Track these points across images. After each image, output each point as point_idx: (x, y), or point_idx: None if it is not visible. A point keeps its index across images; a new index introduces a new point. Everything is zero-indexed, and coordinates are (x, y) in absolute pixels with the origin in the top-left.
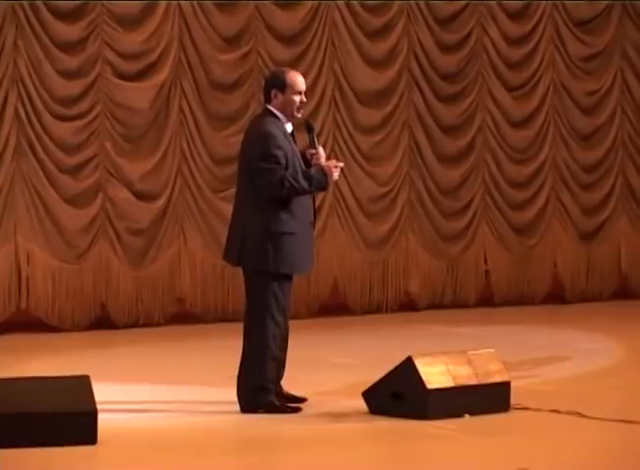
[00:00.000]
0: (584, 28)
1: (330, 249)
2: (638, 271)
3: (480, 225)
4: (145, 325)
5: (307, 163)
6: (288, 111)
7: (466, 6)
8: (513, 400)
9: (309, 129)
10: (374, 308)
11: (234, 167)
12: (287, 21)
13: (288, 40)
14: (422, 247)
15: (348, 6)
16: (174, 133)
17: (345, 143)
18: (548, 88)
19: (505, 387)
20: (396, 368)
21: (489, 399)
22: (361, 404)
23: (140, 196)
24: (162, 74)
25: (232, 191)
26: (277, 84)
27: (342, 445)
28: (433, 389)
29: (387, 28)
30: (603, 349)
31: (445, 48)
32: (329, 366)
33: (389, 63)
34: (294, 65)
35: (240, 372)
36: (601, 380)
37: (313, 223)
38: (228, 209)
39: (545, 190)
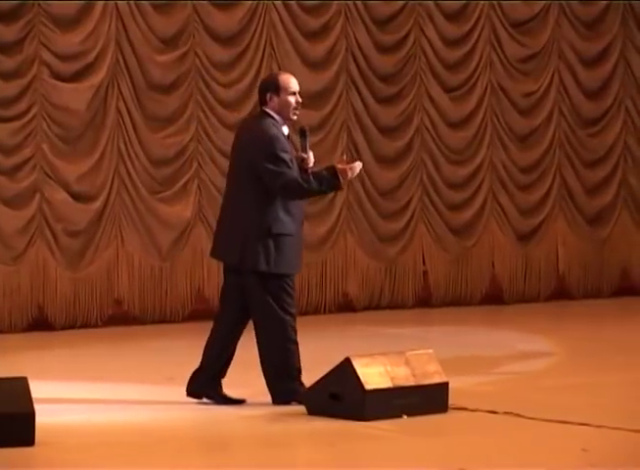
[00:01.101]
0: (521, 29)
1: None
2: (575, 272)
3: (417, 226)
4: (82, 326)
5: (298, 166)
6: (284, 112)
7: (403, 7)
8: (451, 401)
9: (303, 134)
10: (312, 309)
11: (171, 168)
12: (225, 21)
13: (226, 41)
14: (360, 248)
15: (286, 6)
16: (111, 134)
17: None
18: (485, 89)
19: (443, 388)
20: (334, 369)
21: (427, 399)
22: (299, 405)
23: (77, 197)
24: (100, 75)
25: (169, 192)
26: (271, 87)
27: (280, 445)
28: (370, 390)
29: (325, 29)
30: (541, 349)
31: (383, 49)
32: None
33: (328, 64)
34: (232, 66)
35: (265, 370)
36: (539, 381)
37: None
38: (165, 209)
39: (483, 191)
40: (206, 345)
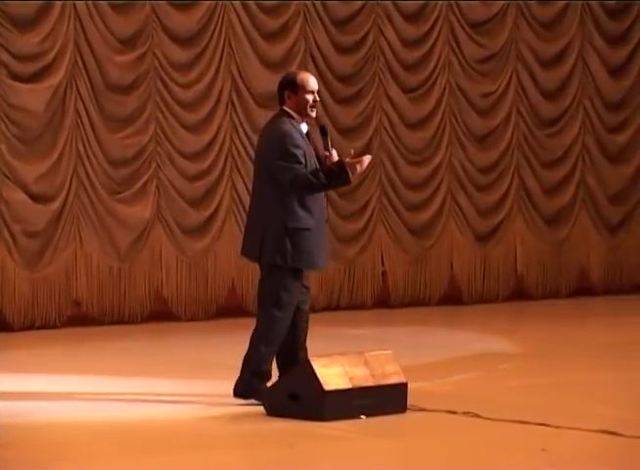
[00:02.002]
0: (480, 30)
1: (227, 250)
2: (534, 272)
3: (376, 227)
4: (41, 327)
5: (321, 164)
6: (302, 110)
7: (362, 7)
8: (409, 402)
9: (323, 133)
10: None
11: (130, 169)
12: (183, 22)
13: (184, 41)
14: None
15: (245, 7)
16: (70, 135)
17: (243, 145)
18: (444, 90)
19: (402, 388)
20: (294, 370)
21: (386, 400)
22: (258, 406)
23: (36, 198)
24: (58, 76)
25: (128, 193)
26: (289, 86)
27: (239, 446)
28: (329, 390)
29: (283, 30)
30: (499, 350)
31: (342, 50)
32: (226, 368)
33: (286, 64)
34: (190, 66)
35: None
36: (497, 381)
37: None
38: (124, 210)
39: (441, 191)
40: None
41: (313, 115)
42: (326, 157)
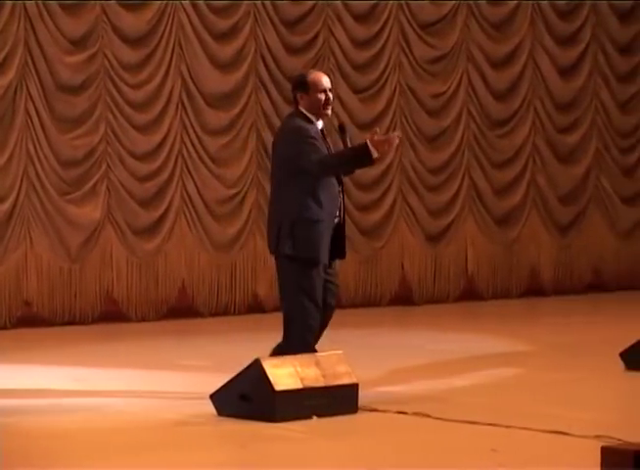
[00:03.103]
0: (430, 30)
1: (178, 251)
2: (484, 272)
3: None
4: None
5: None
6: (316, 110)
7: (312, 8)
8: (361, 402)
9: (342, 130)
10: (222, 311)
11: (80, 170)
12: (133, 22)
13: (134, 42)
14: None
15: (195, 7)
16: (20, 135)
17: (193, 145)
18: (394, 90)
19: (353, 389)
20: (244, 370)
21: (337, 400)
22: (209, 407)
23: None
24: (8, 76)
25: (78, 193)
26: (301, 86)
27: (190, 447)
28: (280, 391)
29: (234, 30)
30: (450, 350)
31: (292, 50)
32: (177, 369)
33: (237, 65)
34: (141, 67)
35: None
36: (448, 381)
37: (342, 219)
38: (74, 211)
39: (392, 192)
40: None
41: (329, 112)
42: None
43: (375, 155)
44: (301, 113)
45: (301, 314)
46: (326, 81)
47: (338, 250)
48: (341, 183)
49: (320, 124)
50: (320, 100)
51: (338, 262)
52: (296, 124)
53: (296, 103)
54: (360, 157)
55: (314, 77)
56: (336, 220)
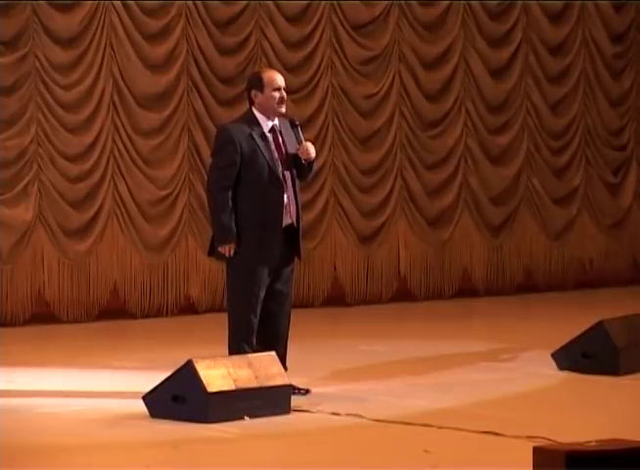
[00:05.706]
0: (362, 31)
1: (109, 252)
2: (416, 273)
3: None
4: None
5: (295, 157)
6: (269, 107)
7: (244, 9)
8: (294, 403)
9: (292, 125)
10: (154, 312)
11: (11, 171)
12: (65, 23)
13: (66, 43)
14: (202, 250)
15: (126, 8)
16: None
17: (125, 146)
18: (327, 91)
19: (286, 390)
20: (177, 371)
21: (270, 401)
22: (142, 408)
23: None
24: None
25: (9, 195)
26: (255, 84)
27: (122, 448)
28: (213, 392)
29: (165, 31)
30: (383, 350)
31: (224, 51)
32: (109, 370)
33: (168, 66)
34: (72, 67)
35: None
36: (381, 382)
37: (296, 222)
38: (6, 212)
39: (325, 193)
40: None
41: (283, 110)
42: (297, 149)
43: (214, 254)
44: (251, 114)
45: (234, 313)
46: (280, 80)
47: (288, 254)
48: (294, 186)
49: (270, 124)
50: (274, 98)
51: (293, 268)
52: (222, 124)
53: (250, 101)
54: (216, 233)
55: (269, 75)
56: (285, 223)
